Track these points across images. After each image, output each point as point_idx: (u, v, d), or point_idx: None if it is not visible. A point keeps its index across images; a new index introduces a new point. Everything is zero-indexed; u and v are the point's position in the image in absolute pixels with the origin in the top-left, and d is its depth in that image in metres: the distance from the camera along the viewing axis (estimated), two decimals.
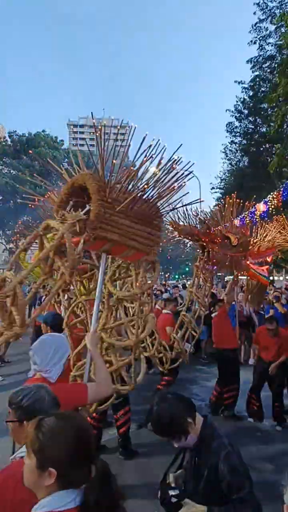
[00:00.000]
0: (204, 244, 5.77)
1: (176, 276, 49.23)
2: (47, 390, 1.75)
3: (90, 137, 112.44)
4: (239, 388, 5.96)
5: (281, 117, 13.26)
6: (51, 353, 2.39)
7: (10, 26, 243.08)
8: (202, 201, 4.85)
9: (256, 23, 20.07)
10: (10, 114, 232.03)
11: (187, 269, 38.83)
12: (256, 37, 20.42)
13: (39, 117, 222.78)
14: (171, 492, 1.78)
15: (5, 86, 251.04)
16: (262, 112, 22.35)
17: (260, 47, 20.61)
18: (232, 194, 6.63)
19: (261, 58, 21.06)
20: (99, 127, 3.22)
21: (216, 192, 32.72)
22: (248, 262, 6.10)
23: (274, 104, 14.64)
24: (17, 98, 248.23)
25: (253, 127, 24.65)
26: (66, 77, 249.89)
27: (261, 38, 20.34)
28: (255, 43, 20.49)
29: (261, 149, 24.39)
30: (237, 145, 26.30)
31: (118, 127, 4.55)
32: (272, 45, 20.17)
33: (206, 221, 5.91)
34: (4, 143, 39.79)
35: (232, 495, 1.70)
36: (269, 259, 6.54)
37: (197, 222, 5.87)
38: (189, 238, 5.90)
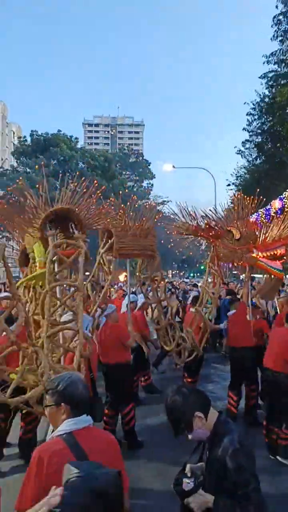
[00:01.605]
0: (209, 240, 5.94)
1: (191, 275, 49.08)
2: (79, 376, 1.95)
3: (105, 135, 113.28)
4: (258, 387, 5.67)
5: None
6: None
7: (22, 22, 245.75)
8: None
9: (275, 16, 19.73)
10: (26, 113, 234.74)
11: (202, 267, 38.68)
12: (277, 31, 20.04)
13: (54, 117, 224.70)
14: (186, 480, 1.83)
15: (23, 85, 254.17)
16: (276, 112, 22.00)
17: (281, 42, 20.21)
18: (246, 196, 6.66)
19: (281, 52, 20.65)
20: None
21: (232, 189, 32.44)
22: (255, 255, 6.00)
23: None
24: (32, 97, 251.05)
25: (268, 125, 24.32)
26: (80, 74, 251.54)
27: (282, 33, 19.95)
28: (276, 37, 20.11)
29: (277, 146, 24.03)
30: (252, 143, 26.00)
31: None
32: None
33: (215, 221, 6.05)
34: (23, 143, 40.38)
35: (238, 491, 1.74)
36: (281, 251, 6.32)
37: (203, 221, 6.07)
38: (191, 234, 6.08)
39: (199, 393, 2.01)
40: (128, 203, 5.61)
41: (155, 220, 5.70)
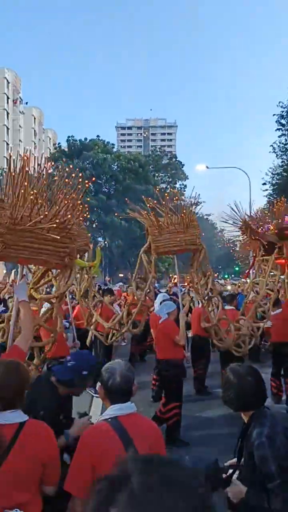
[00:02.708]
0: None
1: (226, 276, 48.35)
2: (122, 366, 2.01)
3: (138, 138, 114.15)
4: None
5: None
6: None
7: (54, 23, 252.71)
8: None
9: None
10: (60, 120, 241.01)
11: (236, 268, 38.01)
12: None
13: (87, 122, 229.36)
14: (229, 470, 1.91)
15: (57, 92, 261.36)
16: None
17: None
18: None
19: None
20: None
21: (267, 189, 31.71)
22: None
23: None
24: (66, 102, 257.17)
25: None
26: (112, 77, 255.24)
27: None
28: None
29: None
30: (286, 141, 25.35)
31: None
32: None
33: (252, 222, 6.25)
34: (57, 149, 41.55)
35: (267, 483, 1.79)
36: None
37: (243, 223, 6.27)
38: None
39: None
40: (163, 202, 5.57)
41: (195, 212, 5.61)
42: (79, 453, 1.79)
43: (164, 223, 5.14)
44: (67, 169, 3.90)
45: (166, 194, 5.81)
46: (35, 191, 3.15)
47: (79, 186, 3.70)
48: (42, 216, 3.16)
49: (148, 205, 5.67)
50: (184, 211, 5.34)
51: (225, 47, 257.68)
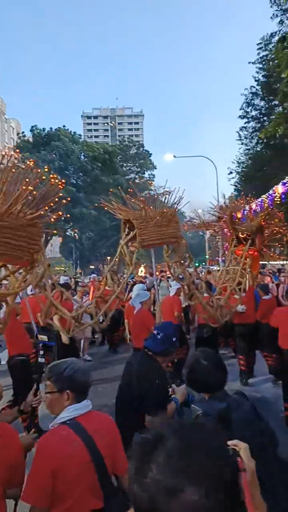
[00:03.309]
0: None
1: (197, 264, 49.15)
2: (81, 363, 2.01)
3: (104, 128, 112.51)
4: None
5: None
6: None
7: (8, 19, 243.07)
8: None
9: None
10: (23, 109, 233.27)
11: (206, 256, 38.72)
12: (277, 10, 19.68)
13: (52, 111, 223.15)
14: None
15: (20, 81, 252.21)
16: (277, 92, 21.86)
17: (281, 21, 19.87)
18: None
19: (281, 32, 20.32)
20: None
21: (233, 177, 32.34)
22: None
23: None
24: (29, 91, 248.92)
25: (267, 108, 24.18)
26: (76, 67, 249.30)
27: (282, 12, 19.56)
28: (276, 16, 19.71)
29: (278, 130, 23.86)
30: (252, 129, 25.88)
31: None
32: None
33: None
34: (23, 138, 40.30)
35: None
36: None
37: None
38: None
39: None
40: (148, 195, 5.71)
41: (177, 207, 5.74)
42: (38, 460, 1.64)
43: (148, 216, 5.24)
44: (31, 162, 3.84)
45: (150, 183, 6.03)
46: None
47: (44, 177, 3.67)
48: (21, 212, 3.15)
49: (126, 197, 5.76)
50: (167, 205, 5.55)
51: (191, 35, 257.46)
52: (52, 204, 3.78)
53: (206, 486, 0.67)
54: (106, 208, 5.66)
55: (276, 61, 18.13)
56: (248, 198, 8.40)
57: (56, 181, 5.19)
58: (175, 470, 0.69)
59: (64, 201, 5.09)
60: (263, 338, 6.42)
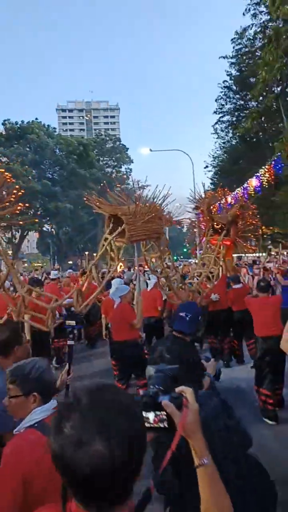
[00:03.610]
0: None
1: (175, 258, 49.51)
2: (44, 362, 1.86)
3: (80, 121, 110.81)
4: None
5: (263, 80, 12.82)
6: None
7: None
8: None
9: None
10: None
11: (185, 250, 39.05)
12: (249, 4, 19.80)
13: (26, 104, 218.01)
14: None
15: None
16: (250, 87, 22.15)
17: (254, 16, 20.03)
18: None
19: (254, 26, 20.51)
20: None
21: (210, 171, 32.65)
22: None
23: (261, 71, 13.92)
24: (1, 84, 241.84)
25: (242, 102, 24.46)
26: (50, 59, 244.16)
27: (254, 6, 19.69)
28: (249, 10, 19.85)
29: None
30: (227, 123, 26.15)
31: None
32: (265, 14, 19.60)
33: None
34: None
35: None
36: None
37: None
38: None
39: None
40: (137, 193, 5.98)
41: (164, 204, 5.94)
42: (7, 468, 1.52)
43: (138, 212, 5.37)
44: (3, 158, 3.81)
45: (124, 176, 6.41)
46: None
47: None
48: None
49: (110, 194, 5.90)
50: (155, 202, 5.72)
51: (168, 29, 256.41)
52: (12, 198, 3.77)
53: (112, 440, 0.75)
54: (94, 204, 5.57)
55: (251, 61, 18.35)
56: (224, 190, 8.73)
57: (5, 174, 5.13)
58: (86, 426, 0.77)
59: (20, 193, 5.09)
60: (246, 326, 6.51)
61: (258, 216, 8.06)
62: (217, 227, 7.36)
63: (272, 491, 1.76)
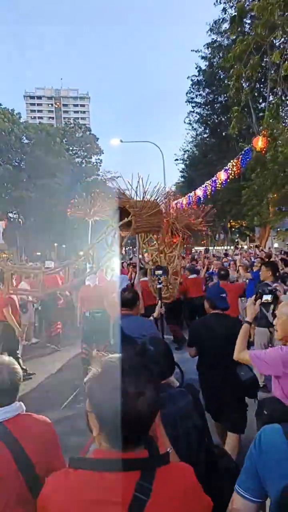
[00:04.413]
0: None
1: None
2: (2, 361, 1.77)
3: (49, 109, 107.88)
4: None
5: (237, 77, 12.93)
6: None
7: None
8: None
9: None
10: None
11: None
12: None
13: None
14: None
15: None
16: (220, 81, 22.30)
17: (224, 10, 20.03)
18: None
19: (222, 20, 20.57)
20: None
21: (180, 163, 32.78)
22: None
23: (230, 65, 13.98)
24: None
25: (212, 96, 24.60)
26: (18, 44, 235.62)
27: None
28: (220, 2, 19.81)
29: (222, 119, 24.45)
30: (197, 116, 26.26)
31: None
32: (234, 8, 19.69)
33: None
34: None
35: None
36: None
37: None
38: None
39: None
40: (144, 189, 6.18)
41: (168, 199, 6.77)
42: None
43: (144, 206, 5.98)
44: None
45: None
46: None
47: None
48: None
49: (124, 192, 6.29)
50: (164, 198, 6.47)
51: (141, 17, 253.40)
52: None
53: (149, 393, 1.00)
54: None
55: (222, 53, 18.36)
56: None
57: None
58: (136, 382, 1.00)
59: None
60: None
61: (209, 223, 8.70)
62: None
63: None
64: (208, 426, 1.87)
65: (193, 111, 25.93)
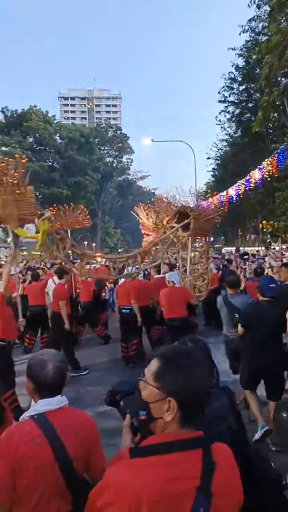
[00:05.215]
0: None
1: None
2: (53, 356, 1.82)
3: (81, 109, 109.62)
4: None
5: (269, 67, 12.39)
6: None
7: None
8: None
9: None
10: None
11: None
12: None
13: (27, 91, 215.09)
14: None
15: None
16: (255, 79, 21.78)
17: (258, 7, 19.59)
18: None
19: (257, 18, 20.11)
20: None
21: (211, 164, 32.42)
22: None
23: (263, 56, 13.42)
24: (3, 71, 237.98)
25: (246, 94, 24.12)
26: (52, 47, 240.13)
27: None
28: (254, 2, 19.41)
29: (255, 117, 23.93)
30: (230, 114, 25.80)
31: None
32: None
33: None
34: None
35: None
36: None
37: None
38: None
39: None
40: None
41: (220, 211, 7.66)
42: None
43: (202, 213, 7.24)
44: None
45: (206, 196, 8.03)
46: None
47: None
48: None
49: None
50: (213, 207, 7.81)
51: (174, 17, 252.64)
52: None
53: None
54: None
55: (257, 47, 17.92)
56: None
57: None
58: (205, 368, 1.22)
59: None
60: None
61: (259, 210, 8.77)
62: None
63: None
64: (245, 430, 1.83)
65: (225, 111, 25.53)
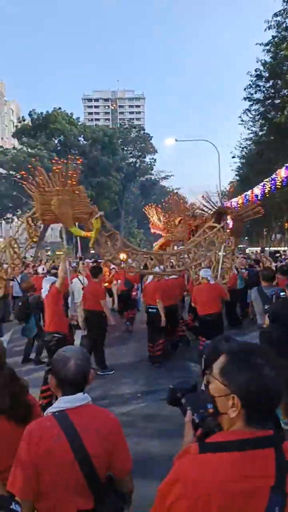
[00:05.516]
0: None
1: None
2: (76, 352, 1.82)
3: (105, 111, 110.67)
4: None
5: None
6: None
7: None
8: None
9: None
10: (24, 91, 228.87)
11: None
12: None
13: (53, 93, 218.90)
14: None
15: (19, 62, 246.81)
16: (282, 75, 21.27)
17: (285, 1, 19.13)
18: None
19: (284, 12, 19.63)
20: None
21: (236, 162, 31.98)
22: None
23: None
24: (30, 73, 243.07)
25: (273, 90, 23.58)
26: (77, 49, 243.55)
27: None
28: None
29: (282, 114, 23.35)
30: (255, 112, 25.28)
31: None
32: None
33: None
34: (23, 123, 39.88)
35: None
36: None
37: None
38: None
39: None
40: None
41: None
42: (22, 449, 1.56)
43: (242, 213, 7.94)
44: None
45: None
46: None
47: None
48: None
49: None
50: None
51: (193, 14, 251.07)
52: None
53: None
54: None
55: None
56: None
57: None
58: (273, 365, 1.12)
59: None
60: None
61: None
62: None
63: None
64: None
65: (249, 109, 25.06)
